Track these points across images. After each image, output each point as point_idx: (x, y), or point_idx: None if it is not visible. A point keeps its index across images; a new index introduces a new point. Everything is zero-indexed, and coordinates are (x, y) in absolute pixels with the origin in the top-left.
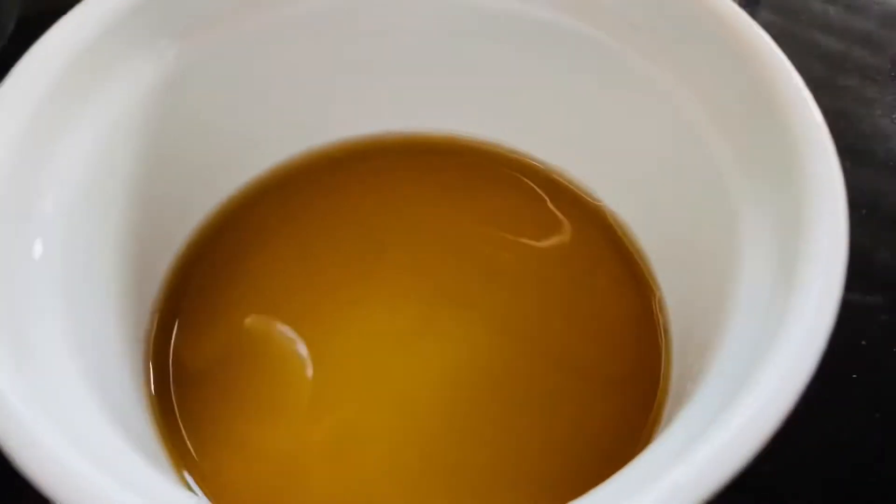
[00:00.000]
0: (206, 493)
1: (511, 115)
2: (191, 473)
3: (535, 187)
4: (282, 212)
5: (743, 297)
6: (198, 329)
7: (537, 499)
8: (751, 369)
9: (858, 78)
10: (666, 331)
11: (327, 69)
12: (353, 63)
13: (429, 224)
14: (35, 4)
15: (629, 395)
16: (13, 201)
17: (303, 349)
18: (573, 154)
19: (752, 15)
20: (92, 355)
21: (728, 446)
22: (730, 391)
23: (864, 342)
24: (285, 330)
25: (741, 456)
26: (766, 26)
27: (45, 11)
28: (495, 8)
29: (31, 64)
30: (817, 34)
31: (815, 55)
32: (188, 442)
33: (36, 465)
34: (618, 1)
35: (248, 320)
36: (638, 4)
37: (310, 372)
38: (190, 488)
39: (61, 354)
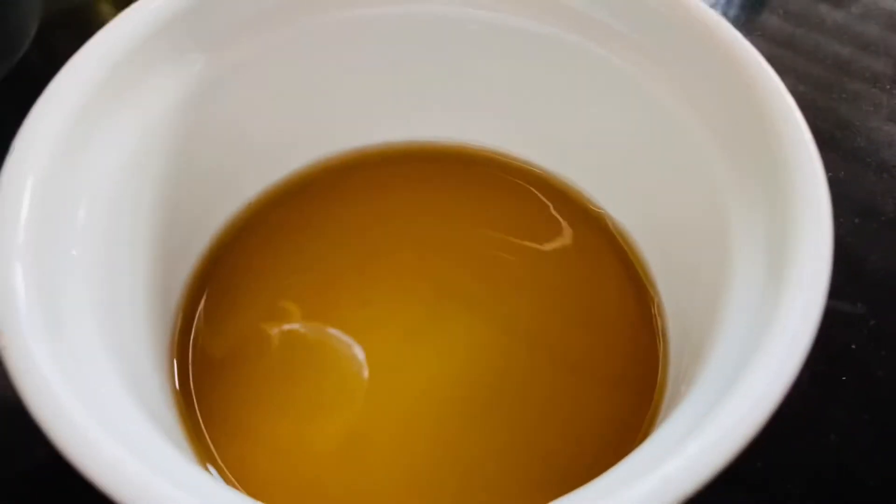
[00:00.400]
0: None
1: (515, 125)
2: (210, 462)
3: (539, 194)
4: (298, 216)
5: (734, 303)
6: (218, 327)
7: (531, 493)
8: (740, 371)
9: (863, 83)
10: (664, 334)
11: (339, 80)
12: (365, 73)
13: (435, 229)
14: (56, 3)
15: (627, 395)
16: (50, 205)
17: (317, 348)
18: (576, 163)
19: (757, 20)
20: (118, 344)
21: (717, 442)
22: (720, 391)
23: (853, 346)
24: (300, 329)
25: (729, 451)
26: (773, 32)
27: (66, 13)
28: (502, 22)
29: (67, 77)
30: (823, 39)
31: (820, 60)
32: (206, 434)
33: (62, 435)
34: (621, 21)
35: (266, 319)
36: (641, 27)
37: (323, 370)
38: (209, 472)
39: (93, 342)
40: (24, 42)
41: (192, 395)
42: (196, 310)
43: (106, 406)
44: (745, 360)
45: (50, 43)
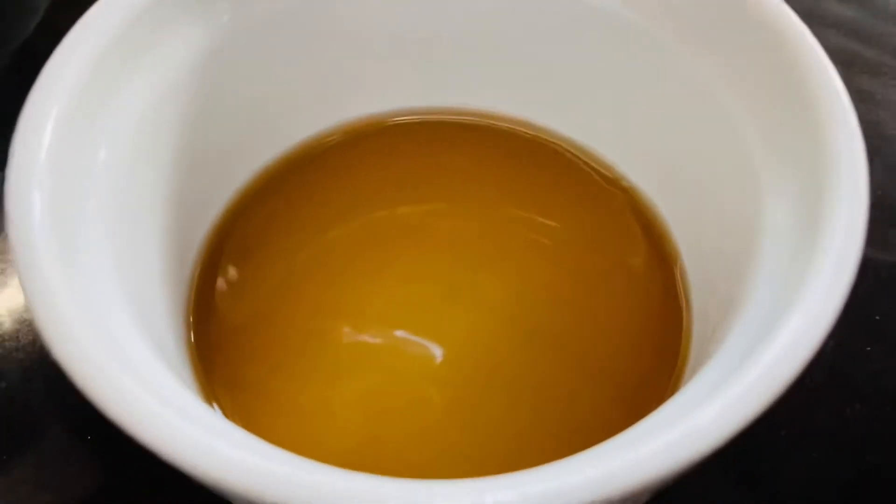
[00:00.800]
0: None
1: (539, 92)
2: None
3: (563, 159)
4: (322, 177)
5: (765, 259)
6: (235, 286)
7: (556, 449)
8: (774, 321)
9: (870, 77)
10: (688, 299)
11: (367, 40)
12: (395, 35)
13: (456, 193)
14: None
15: (652, 356)
16: (72, 141)
17: (336, 311)
18: (605, 134)
19: None
20: (135, 290)
21: (744, 395)
22: (749, 347)
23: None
24: (319, 292)
25: (764, 398)
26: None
27: None
28: None
29: (90, 22)
30: (830, 33)
31: (827, 54)
32: (217, 391)
33: (76, 365)
34: None
35: (284, 280)
36: None
37: (341, 334)
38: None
39: (107, 279)
40: (30, 22)
41: (207, 355)
42: (214, 270)
43: (116, 336)
44: (778, 312)
45: (56, 25)
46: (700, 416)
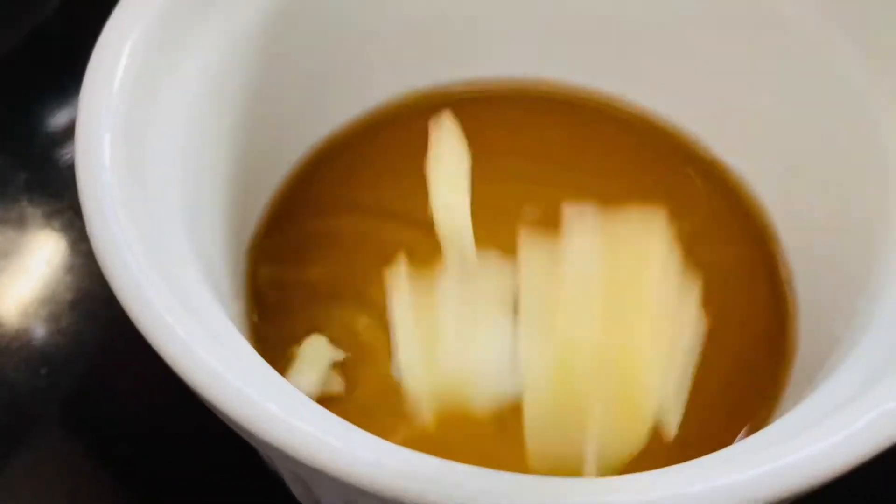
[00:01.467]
0: None
1: (637, 68)
2: None
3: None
4: (387, 144)
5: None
6: (293, 256)
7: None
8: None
9: None
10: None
11: (437, 8)
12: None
13: (535, 168)
14: None
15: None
16: (141, 91)
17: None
18: (721, 123)
19: None
20: (200, 248)
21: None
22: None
23: None
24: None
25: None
26: None
27: None
28: None
29: None
30: None
31: None
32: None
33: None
34: None
35: (344, 250)
36: None
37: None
38: None
39: (174, 230)
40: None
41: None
42: (274, 235)
43: (187, 290)
44: None
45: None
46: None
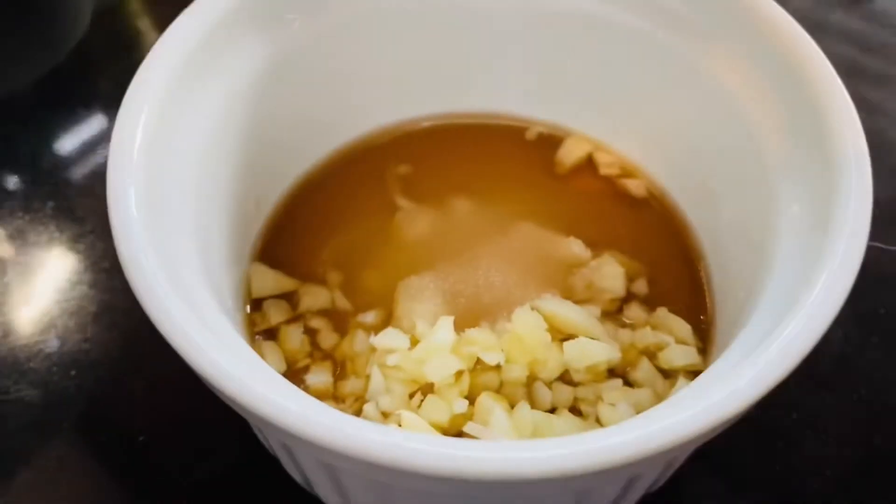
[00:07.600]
0: None
1: (568, 97)
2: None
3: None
4: (376, 168)
5: (781, 250)
6: (304, 244)
7: None
8: (792, 303)
9: (874, 87)
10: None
11: (428, 47)
12: (448, 43)
13: (485, 182)
14: None
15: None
16: (153, 167)
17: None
18: (622, 130)
19: None
20: (210, 278)
21: (773, 361)
22: (773, 322)
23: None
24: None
25: (782, 372)
26: None
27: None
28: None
29: (177, 31)
30: (835, 44)
31: (832, 64)
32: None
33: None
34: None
35: (333, 260)
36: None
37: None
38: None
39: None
40: (77, 33)
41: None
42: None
43: (192, 294)
44: (796, 294)
45: (106, 30)
46: (738, 379)
